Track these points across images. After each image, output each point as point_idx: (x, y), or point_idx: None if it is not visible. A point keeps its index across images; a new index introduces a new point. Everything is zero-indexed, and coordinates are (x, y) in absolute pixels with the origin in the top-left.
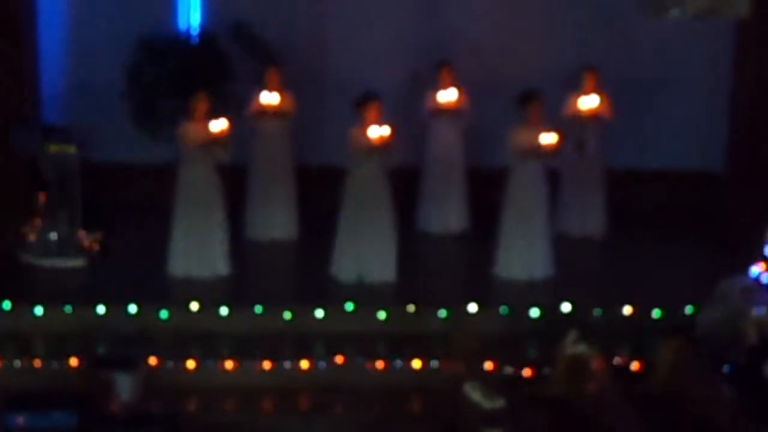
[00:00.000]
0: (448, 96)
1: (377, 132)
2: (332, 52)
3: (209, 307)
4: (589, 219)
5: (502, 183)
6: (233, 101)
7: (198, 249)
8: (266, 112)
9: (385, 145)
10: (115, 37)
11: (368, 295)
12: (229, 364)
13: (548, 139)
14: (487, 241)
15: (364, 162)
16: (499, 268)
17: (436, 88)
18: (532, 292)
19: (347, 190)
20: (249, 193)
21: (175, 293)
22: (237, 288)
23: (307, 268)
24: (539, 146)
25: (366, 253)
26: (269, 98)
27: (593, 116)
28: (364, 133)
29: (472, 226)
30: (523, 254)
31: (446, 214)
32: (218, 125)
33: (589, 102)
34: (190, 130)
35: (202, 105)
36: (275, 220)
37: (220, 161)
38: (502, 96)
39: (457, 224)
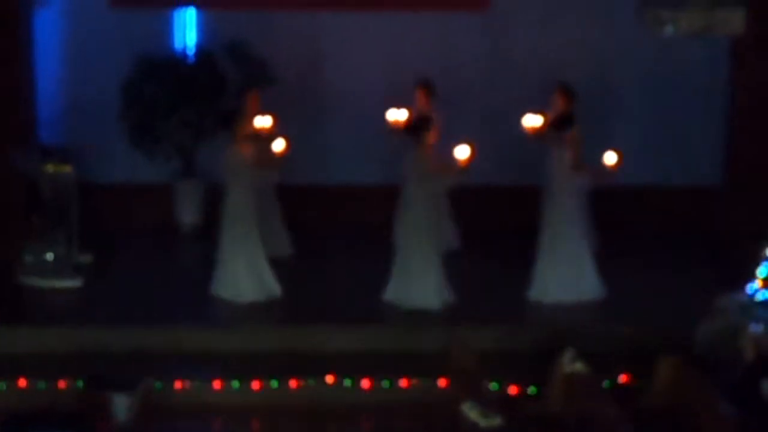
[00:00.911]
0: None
1: (463, 152)
2: (328, 70)
3: (205, 326)
4: None
5: None
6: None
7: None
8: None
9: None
10: (111, 58)
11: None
12: (224, 384)
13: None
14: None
15: (430, 182)
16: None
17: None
18: (530, 311)
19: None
20: None
21: (173, 313)
22: (233, 307)
23: (298, 287)
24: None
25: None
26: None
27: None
28: (427, 155)
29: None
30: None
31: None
32: (279, 145)
33: (532, 120)
34: (239, 151)
35: (254, 103)
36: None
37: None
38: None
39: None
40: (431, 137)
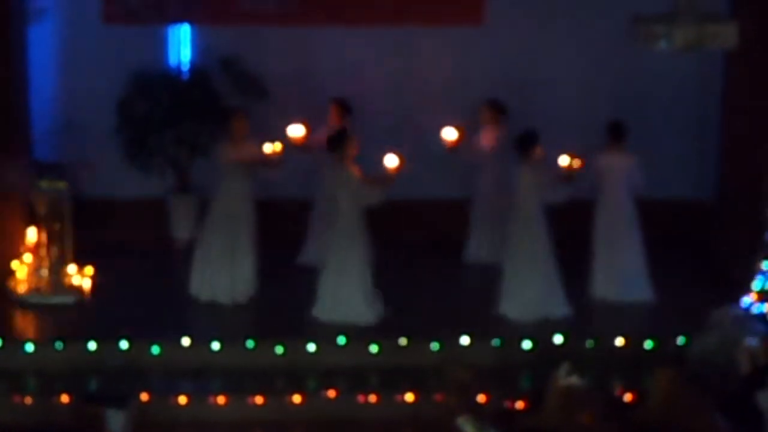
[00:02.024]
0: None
1: (392, 161)
2: (321, 85)
3: (200, 342)
4: None
5: None
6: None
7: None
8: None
9: None
10: (105, 74)
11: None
12: (221, 399)
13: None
14: None
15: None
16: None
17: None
18: (524, 325)
19: None
20: None
21: (168, 328)
22: (229, 321)
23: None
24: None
25: None
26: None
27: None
28: (352, 168)
29: None
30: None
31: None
32: (271, 146)
33: (449, 134)
34: (230, 149)
35: (240, 125)
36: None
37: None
38: None
39: None
40: (352, 151)
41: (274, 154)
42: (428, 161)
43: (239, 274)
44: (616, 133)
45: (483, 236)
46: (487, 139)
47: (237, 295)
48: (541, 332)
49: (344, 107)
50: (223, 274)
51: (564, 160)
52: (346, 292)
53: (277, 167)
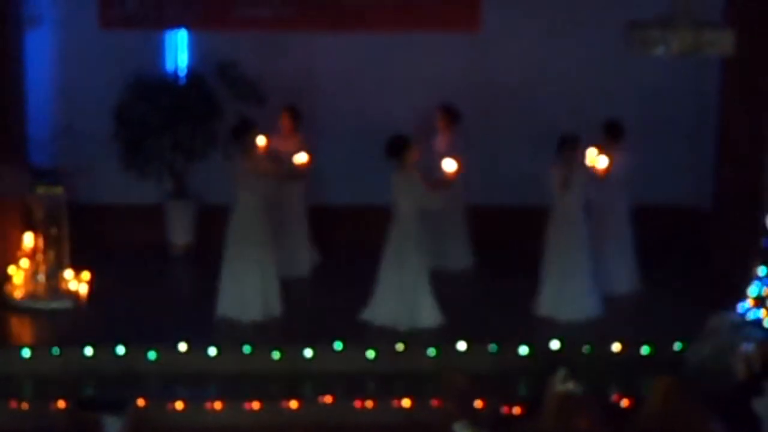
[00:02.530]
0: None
1: (450, 165)
2: (320, 91)
3: (197, 347)
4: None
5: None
6: (221, 140)
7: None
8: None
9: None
10: (102, 79)
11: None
12: (218, 405)
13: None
14: None
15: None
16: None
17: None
18: (522, 330)
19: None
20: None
21: (165, 334)
22: (225, 328)
23: (295, 307)
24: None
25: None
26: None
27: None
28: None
29: None
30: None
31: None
32: (301, 158)
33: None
34: (248, 162)
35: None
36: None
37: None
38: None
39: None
40: (413, 156)
41: (302, 165)
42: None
43: (270, 288)
44: (614, 133)
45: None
46: (441, 144)
47: (270, 310)
48: (537, 338)
49: (295, 114)
50: (254, 289)
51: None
52: (407, 297)
53: (302, 177)
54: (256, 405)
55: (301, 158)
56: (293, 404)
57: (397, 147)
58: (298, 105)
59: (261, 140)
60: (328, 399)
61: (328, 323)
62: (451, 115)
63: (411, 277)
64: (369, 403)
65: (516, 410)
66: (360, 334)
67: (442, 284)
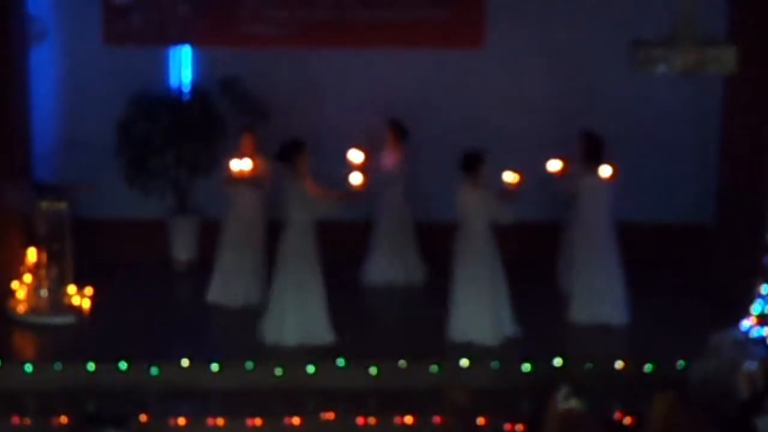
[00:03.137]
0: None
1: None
2: (323, 107)
3: (199, 363)
4: None
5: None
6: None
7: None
8: (240, 179)
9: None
10: (106, 95)
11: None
12: (219, 421)
13: None
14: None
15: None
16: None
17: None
18: (523, 347)
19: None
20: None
21: (167, 349)
22: (227, 343)
23: None
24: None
25: None
26: (242, 165)
27: (388, 170)
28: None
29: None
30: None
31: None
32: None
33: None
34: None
35: (247, 142)
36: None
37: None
38: None
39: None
40: (483, 172)
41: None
42: None
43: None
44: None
45: (383, 256)
46: (389, 159)
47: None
48: (540, 355)
49: (401, 130)
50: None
51: (508, 177)
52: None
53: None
54: (258, 421)
55: (356, 179)
56: (295, 420)
57: (471, 162)
58: (304, 122)
59: (358, 156)
60: (330, 416)
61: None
62: (400, 130)
63: (304, 294)
64: (371, 420)
65: (518, 427)
66: (361, 350)
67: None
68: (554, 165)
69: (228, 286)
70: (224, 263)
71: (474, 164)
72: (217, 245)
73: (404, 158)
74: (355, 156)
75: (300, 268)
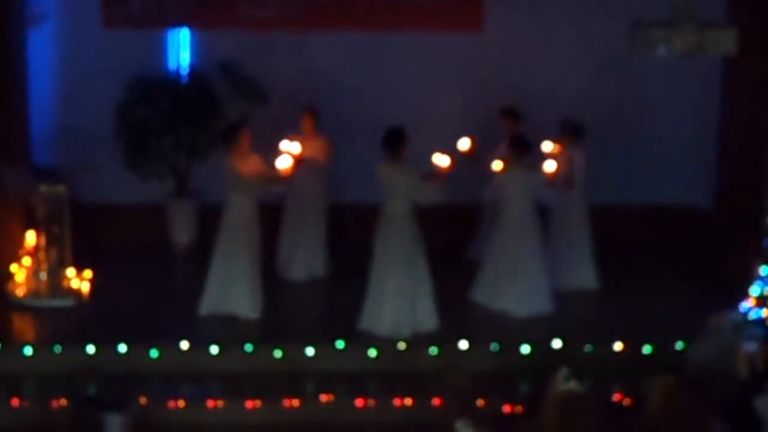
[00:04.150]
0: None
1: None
2: (321, 90)
3: (199, 346)
4: None
5: None
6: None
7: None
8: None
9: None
10: (105, 78)
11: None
12: (219, 403)
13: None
14: None
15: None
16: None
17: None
18: (521, 329)
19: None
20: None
21: (167, 332)
22: (228, 327)
23: (293, 306)
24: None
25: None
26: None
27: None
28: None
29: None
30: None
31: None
32: (284, 162)
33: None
34: (241, 162)
35: (246, 138)
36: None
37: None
38: None
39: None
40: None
41: (285, 171)
42: None
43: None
44: (575, 132)
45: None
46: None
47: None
48: (540, 337)
49: (514, 115)
50: None
51: (437, 159)
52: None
53: (284, 182)
54: (257, 403)
55: (283, 163)
56: (295, 403)
57: (521, 145)
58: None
59: (466, 143)
60: (329, 398)
61: (327, 322)
62: (316, 116)
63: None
64: (370, 402)
65: (517, 409)
66: (362, 333)
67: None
68: (464, 144)
69: (293, 262)
70: (286, 240)
71: (395, 141)
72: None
73: (323, 144)
74: (462, 144)
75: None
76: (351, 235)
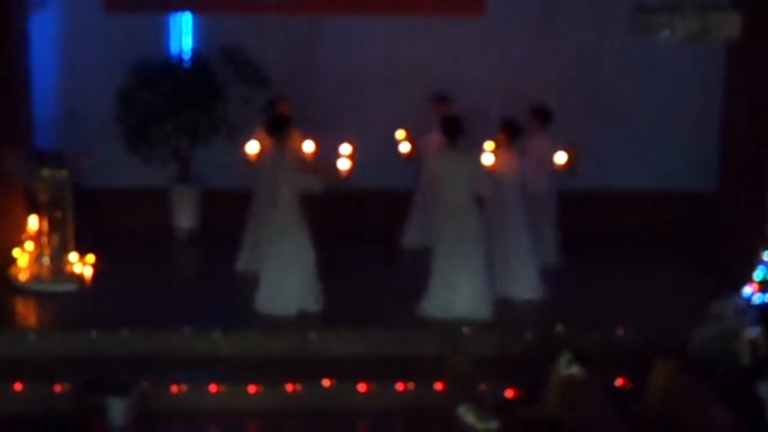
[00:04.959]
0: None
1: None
2: (324, 74)
3: (201, 331)
4: None
5: None
6: (224, 124)
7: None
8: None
9: None
10: (107, 63)
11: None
12: (221, 388)
13: None
14: None
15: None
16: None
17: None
18: (527, 314)
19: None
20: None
21: (169, 318)
22: (229, 312)
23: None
24: None
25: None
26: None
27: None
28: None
29: None
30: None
31: None
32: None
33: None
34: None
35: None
36: None
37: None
38: None
39: None
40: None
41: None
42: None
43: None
44: (542, 116)
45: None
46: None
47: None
48: (542, 322)
49: (443, 99)
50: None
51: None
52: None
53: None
54: (259, 388)
55: (344, 165)
56: (296, 387)
57: (515, 130)
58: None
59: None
60: (330, 382)
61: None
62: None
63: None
64: (372, 387)
65: (520, 394)
66: (363, 318)
67: None
68: (399, 134)
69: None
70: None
71: (279, 127)
72: (218, 214)
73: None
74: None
75: (293, 239)
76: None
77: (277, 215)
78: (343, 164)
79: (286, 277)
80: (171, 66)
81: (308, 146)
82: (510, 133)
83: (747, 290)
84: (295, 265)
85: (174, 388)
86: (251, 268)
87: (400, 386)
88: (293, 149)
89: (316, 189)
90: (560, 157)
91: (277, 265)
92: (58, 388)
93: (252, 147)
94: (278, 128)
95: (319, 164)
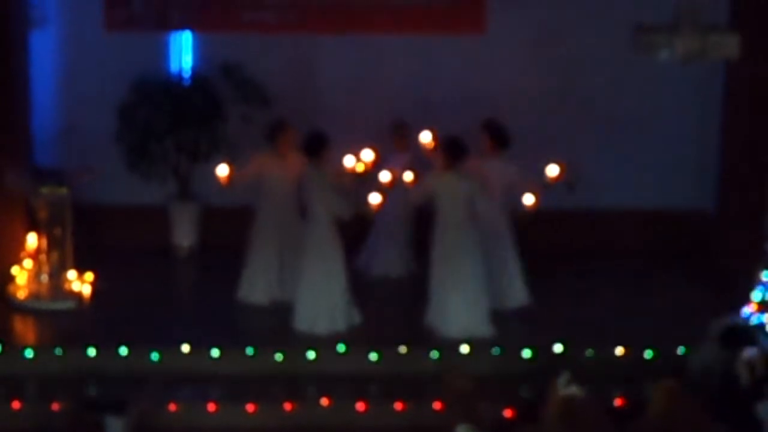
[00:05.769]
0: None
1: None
2: (323, 92)
3: (200, 349)
4: None
5: None
6: (224, 142)
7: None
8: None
9: None
10: (107, 81)
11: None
12: (220, 406)
13: None
14: None
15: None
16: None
17: None
18: (525, 333)
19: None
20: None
21: (168, 335)
22: (228, 329)
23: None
24: None
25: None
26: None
27: None
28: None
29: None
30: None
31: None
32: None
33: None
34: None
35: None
36: None
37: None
38: None
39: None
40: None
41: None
42: None
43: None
44: (497, 138)
45: None
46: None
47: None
48: (541, 340)
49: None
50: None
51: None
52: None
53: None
54: (257, 407)
55: (375, 200)
56: (295, 406)
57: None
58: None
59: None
60: (329, 401)
61: None
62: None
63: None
64: (371, 406)
65: (518, 414)
66: (362, 336)
67: None
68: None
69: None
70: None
71: (318, 147)
72: (217, 232)
73: None
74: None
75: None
76: None
77: (313, 234)
78: (374, 198)
79: (323, 295)
80: (171, 84)
81: (348, 161)
82: (449, 154)
83: (746, 310)
84: (330, 283)
85: (172, 407)
86: (253, 302)
87: (398, 405)
88: (329, 169)
89: (345, 216)
90: (552, 170)
91: (314, 284)
92: (56, 406)
93: (222, 170)
94: (316, 148)
95: (353, 185)
